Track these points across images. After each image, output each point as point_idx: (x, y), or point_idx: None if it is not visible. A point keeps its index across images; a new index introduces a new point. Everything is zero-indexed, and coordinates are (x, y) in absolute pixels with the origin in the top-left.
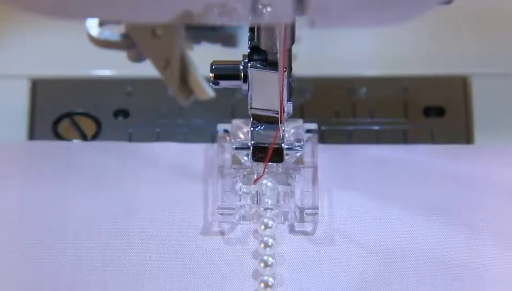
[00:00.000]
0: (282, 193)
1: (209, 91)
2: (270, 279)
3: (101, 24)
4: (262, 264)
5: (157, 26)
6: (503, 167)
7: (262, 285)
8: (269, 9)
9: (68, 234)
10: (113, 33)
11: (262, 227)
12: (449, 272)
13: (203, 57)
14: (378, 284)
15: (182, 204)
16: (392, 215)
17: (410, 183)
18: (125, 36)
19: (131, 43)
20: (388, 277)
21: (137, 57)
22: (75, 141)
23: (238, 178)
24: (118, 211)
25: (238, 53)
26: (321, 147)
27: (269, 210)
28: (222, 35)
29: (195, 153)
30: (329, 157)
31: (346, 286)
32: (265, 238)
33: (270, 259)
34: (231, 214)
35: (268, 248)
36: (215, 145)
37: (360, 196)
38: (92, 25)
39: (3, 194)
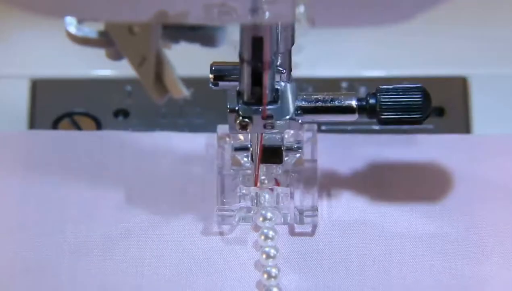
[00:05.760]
0: (281, 195)
1: (184, 90)
2: (273, 270)
3: (80, 21)
4: (264, 256)
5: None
6: (503, 157)
7: (265, 276)
8: (269, 9)
9: (68, 223)
10: (92, 30)
11: (261, 219)
12: (447, 261)
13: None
14: (377, 274)
15: (182, 196)
16: (391, 206)
17: (410, 174)
18: (104, 33)
19: (110, 40)
20: (387, 266)
21: (116, 55)
22: (76, 131)
23: (237, 179)
24: (118, 200)
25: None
26: (320, 136)
27: (268, 207)
28: (201, 35)
29: (197, 145)
30: (328, 148)
31: (345, 276)
32: (265, 230)
33: (272, 251)
34: (231, 216)
35: (269, 240)
36: (215, 138)
37: (359, 187)
38: (71, 22)
39: (3, 183)
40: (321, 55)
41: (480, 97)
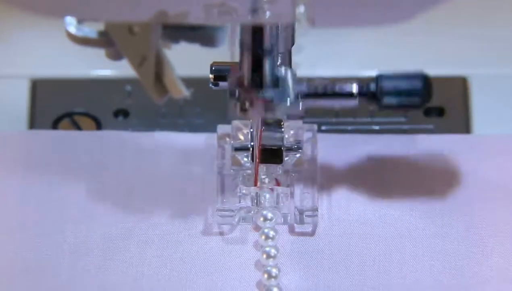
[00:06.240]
0: (281, 195)
1: (184, 90)
2: (274, 270)
3: (80, 21)
4: (264, 256)
5: (134, 23)
6: (503, 157)
7: (266, 275)
8: (269, 10)
9: (68, 223)
10: (92, 30)
11: (262, 219)
12: (448, 261)
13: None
14: (377, 273)
15: (182, 196)
16: (391, 206)
17: (410, 174)
18: (104, 33)
19: (110, 40)
20: (387, 266)
21: (115, 55)
22: (76, 131)
23: (238, 179)
24: (118, 200)
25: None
26: (320, 136)
27: (268, 207)
28: (201, 35)
29: (197, 145)
30: (328, 148)
31: (345, 275)
32: (266, 230)
33: (273, 251)
34: (231, 216)
35: (270, 240)
36: (215, 138)
37: (359, 187)
38: (71, 22)
39: (3, 183)
40: (321, 55)
41: (480, 97)
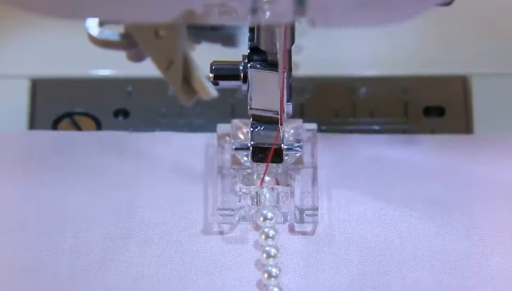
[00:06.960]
0: (282, 194)
1: (212, 91)
2: (274, 270)
3: (101, 24)
4: (264, 255)
5: (159, 26)
6: (503, 157)
7: (266, 275)
8: (269, 10)
9: (68, 223)
10: (113, 33)
11: (261, 218)
12: (448, 261)
13: (204, 57)
14: (377, 273)
15: (182, 195)
16: (391, 206)
17: (410, 173)
18: (125, 35)
19: (131, 42)
20: (387, 266)
21: (137, 57)
22: (76, 131)
23: (238, 179)
24: (118, 200)
25: (238, 53)
26: (320, 136)
27: (268, 206)
28: (222, 35)
29: (197, 145)
30: (328, 148)
31: (345, 275)
32: (266, 230)
33: (273, 250)
34: (231, 215)
35: (270, 239)
36: (215, 138)
37: (359, 187)
38: (92, 25)
39: (3, 183)
40: (321, 55)
41: (480, 97)
